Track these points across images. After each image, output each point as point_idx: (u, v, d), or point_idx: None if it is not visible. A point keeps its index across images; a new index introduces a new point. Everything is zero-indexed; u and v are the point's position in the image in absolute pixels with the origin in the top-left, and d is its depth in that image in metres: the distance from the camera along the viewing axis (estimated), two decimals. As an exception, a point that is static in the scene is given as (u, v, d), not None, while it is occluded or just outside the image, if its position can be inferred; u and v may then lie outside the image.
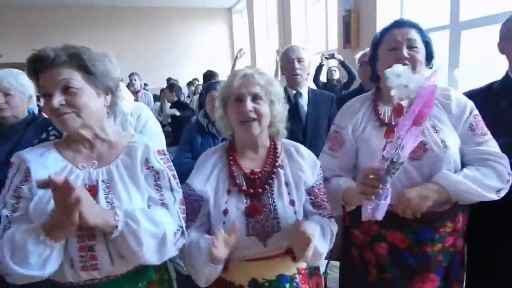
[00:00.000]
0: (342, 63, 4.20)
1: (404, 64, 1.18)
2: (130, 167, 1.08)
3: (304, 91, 2.18)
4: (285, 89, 2.21)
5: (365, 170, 1.06)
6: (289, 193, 1.17)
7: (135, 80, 5.75)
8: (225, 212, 1.14)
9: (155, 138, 1.92)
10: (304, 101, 2.15)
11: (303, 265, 1.22)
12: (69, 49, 1.01)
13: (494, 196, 1.19)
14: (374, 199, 1.03)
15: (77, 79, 1.00)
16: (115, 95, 1.15)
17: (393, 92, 1.00)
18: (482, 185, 1.16)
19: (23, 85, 1.82)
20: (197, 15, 11.43)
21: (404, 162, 1.01)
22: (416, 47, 1.24)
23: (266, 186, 1.16)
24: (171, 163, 1.18)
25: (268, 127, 1.20)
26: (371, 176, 1.02)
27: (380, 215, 1.06)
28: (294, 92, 2.16)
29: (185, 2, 10.79)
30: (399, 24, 1.29)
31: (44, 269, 0.91)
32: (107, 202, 1.01)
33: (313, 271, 1.27)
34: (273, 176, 1.18)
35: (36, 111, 2.07)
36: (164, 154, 1.16)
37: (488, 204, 1.20)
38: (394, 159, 0.99)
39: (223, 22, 11.86)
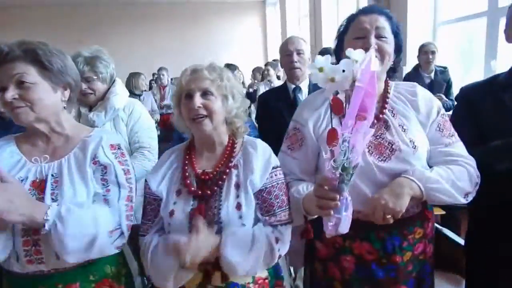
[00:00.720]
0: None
1: None
2: (81, 162, 1.07)
3: (304, 85, 2.05)
4: (285, 84, 2.10)
5: (319, 181, 0.95)
6: (237, 196, 1.08)
7: (163, 75, 5.99)
8: (171, 213, 1.09)
9: (146, 134, 1.89)
10: (304, 96, 2.02)
11: (262, 274, 1.13)
12: (24, 44, 1.03)
13: (463, 200, 1.07)
14: (333, 213, 0.91)
15: (31, 74, 1.02)
16: (75, 91, 1.15)
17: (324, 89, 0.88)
18: (454, 186, 1.06)
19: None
20: (231, 8, 11.46)
21: (358, 163, 0.88)
22: (385, 37, 1.12)
23: (216, 187, 1.09)
24: (127, 158, 1.15)
25: (227, 124, 1.14)
26: (325, 187, 0.90)
27: (344, 229, 0.94)
28: (293, 86, 2.04)
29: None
30: (367, 10, 1.17)
31: None
32: (52, 198, 1.02)
33: (275, 281, 1.17)
34: (224, 177, 1.10)
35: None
36: (119, 149, 1.13)
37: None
38: (346, 165, 0.86)
39: (256, 15, 11.79)
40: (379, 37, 1.11)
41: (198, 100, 1.07)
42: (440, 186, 1.04)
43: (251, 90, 5.56)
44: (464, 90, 1.33)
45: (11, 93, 0.98)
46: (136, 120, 1.89)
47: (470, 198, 1.09)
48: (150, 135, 1.91)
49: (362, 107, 0.85)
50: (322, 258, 1.24)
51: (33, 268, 1.02)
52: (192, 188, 1.11)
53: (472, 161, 1.13)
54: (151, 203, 1.16)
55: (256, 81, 6.41)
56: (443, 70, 3.49)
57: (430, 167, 1.13)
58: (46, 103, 1.04)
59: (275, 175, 1.13)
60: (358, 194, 1.07)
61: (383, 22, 1.13)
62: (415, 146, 1.09)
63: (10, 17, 9.88)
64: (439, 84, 3.38)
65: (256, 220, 1.12)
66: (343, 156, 0.85)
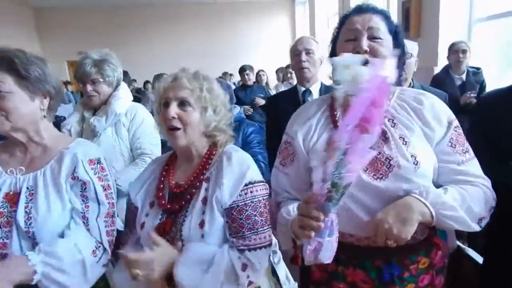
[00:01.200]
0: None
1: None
2: (56, 174, 1.04)
3: (314, 88, 1.92)
4: (295, 86, 1.98)
5: (305, 197, 0.82)
6: (203, 212, 0.99)
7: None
8: (142, 225, 1.05)
9: (148, 140, 1.84)
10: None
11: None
12: (4, 54, 1.00)
13: (476, 227, 0.93)
14: (314, 236, 0.79)
15: (7, 83, 0.99)
16: (55, 98, 1.12)
17: (337, 90, 0.76)
18: (469, 211, 0.92)
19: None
20: (259, 8, 11.42)
21: (351, 183, 0.77)
22: (379, 38, 0.99)
23: (184, 202, 1.01)
24: (107, 173, 1.10)
25: (206, 137, 1.06)
26: (311, 205, 0.79)
27: (325, 257, 0.82)
28: (303, 89, 1.91)
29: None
30: (360, 9, 1.03)
31: None
32: (25, 211, 0.99)
33: None
34: (194, 191, 1.02)
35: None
36: (98, 163, 1.08)
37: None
38: (336, 181, 0.75)
39: (285, 14, 11.68)
40: (372, 38, 0.98)
41: (173, 110, 1.00)
42: (455, 213, 0.90)
43: (274, 91, 5.45)
44: (482, 100, 1.16)
45: None
46: (138, 125, 1.84)
47: (483, 224, 0.95)
48: (152, 141, 1.85)
49: (366, 117, 0.74)
50: (315, 281, 1.12)
51: None
52: (163, 201, 1.04)
53: (488, 182, 0.98)
54: (133, 212, 1.11)
55: (279, 82, 6.28)
56: (476, 71, 3.20)
57: (438, 186, 0.98)
58: (22, 112, 1.01)
59: (250, 192, 1.02)
60: (352, 217, 0.96)
61: (377, 21, 1.00)
62: (417, 162, 0.94)
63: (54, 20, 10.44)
64: (471, 86, 3.10)
65: (225, 240, 1.02)
66: (335, 169, 0.74)
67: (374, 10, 1.02)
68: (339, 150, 0.73)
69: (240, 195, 1.00)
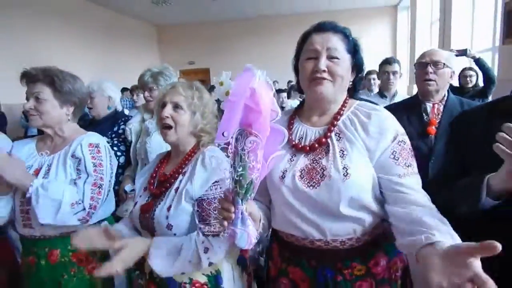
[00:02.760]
0: (477, 62, 3.38)
1: (322, 78, 1.04)
2: (66, 155, 1.42)
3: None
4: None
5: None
6: (173, 199, 1.19)
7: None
8: (135, 204, 1.31)
9: None
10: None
11: (200, 278, 1.20)
12: (46, 71, 1.42)
13: None
14: (229, 225, 0.92)
15: (45, 93, 1.40)
16: (80, 106, 1.53)
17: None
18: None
19: (104, 90, 2.38)
20: (359, 16, 11.14)
21: (252, 180, 0.86)
22: (337, 58, 1.05)
23: (163, 189, 1.24)
24: (101, 155, 1.45)
25: (195, 137, 1.29)
26: (226, 199, 0.91)
27: (241, 244, 0.92)
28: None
29: (348, 2, 10.66)
30: (320, 28, 1.09)
31: None
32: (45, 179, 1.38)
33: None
34: (173, 181, 1.24)
35: (120, 109, 2.66)
36: (96, 147, 1.44)
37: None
38: (237, 178, 0.86)
39: (387, 21, 11.16)
40: (330, 58, 1.05)
41: (168, 111, 1.23)
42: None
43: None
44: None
45: (29, 104, 1.40)
46: None
47: None
48: None
49: (246, 122, 0.85)
50: (270, 277, 1.23)
51: (28, 232, 1.39)
52: (151, 187, 1.29)
53: (427, 197, 0.99)
54: None
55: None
56: None
57: (380, 196, 1.04)
58: (52, 115, 1.42)
59: (220, 187, 1.18)
60: (300, 216, 1.05)
61: (335, 42, 1.06)
62: (347, 174, 0.99)
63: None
64: None
65: (191, 228, 1.19)
66: (233, 169, 0.86)
67: (334, 30, 1.08)
68: (231, 153, 0.85)
69: (210, 189, 1.18)
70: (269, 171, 0.95)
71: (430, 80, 1.74)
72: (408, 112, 1.82)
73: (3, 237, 1.59)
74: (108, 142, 1.97)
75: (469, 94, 3.59)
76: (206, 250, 1.14)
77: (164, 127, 1.24)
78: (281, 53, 11.45)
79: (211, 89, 7.31)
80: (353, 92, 1.17)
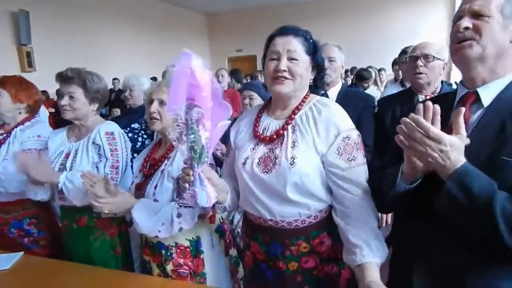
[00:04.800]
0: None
1: (283, 77, 1.18)
2: (88, 142, 1.73)
3: (332, 92, 2.08)
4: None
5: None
6: (159, 179, 1.44)
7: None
8: (132, 182, 1.58)
9: None
10: (330, 103, 2.06)
11: (184, 243, 1.45)
12: (80, 74, 1.74)
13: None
14: (189, 186, 1.07)
15: (78, 92, 1.72)
16: (102, 103, 1.85)
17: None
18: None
19: (142, 84, 2.71)
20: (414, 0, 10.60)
21: (203, 145, 1.02)
22: (296, 59, 1.18)
23: (153, 171, 1.49)
24: (117, 141, 1.72)
25: None
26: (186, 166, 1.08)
27: (202, 202, 1.07)
28: (322, 92, 2.09)
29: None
30: (283, 32, 1.22)
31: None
32: (71, 163, 1.70)
33: (196, 253, 1.47)
34: (160, 164, 1.49)
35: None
36: (112, 134, 1.73)
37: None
38: (191, 145, 1.02)
39: (443, 8, 10.43)
40: (290, 59, 1.18)
41: (154, 106, 1.47)
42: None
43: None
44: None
45: (64, 101, 1.71)
46: None
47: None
48: None
49: (190, 96, 1.01)
50: (240, 249, 1.46)
51: (63, 203, 1.73)
52: (144, 169, 1.54)
53: (367, 190, 1.14)
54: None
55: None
56: None
57: (328, 186, 1.19)
58: (82, 111, 1.75)
59: None
60: (256, 199, 1.22)
61: (295, 45, 1.19)
62: (293, 163, 1.13)
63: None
64: None
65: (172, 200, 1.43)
66: (188, 137, 1.02)
67: (294, 33, 1.20)
68: (184, 124, 1.01)
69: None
70: (234, 156, 1.21)
71: (421, 73, 1.78)
72: (402, 103, 1.88)
73: (47, 206, 1.98)
74: (141, 125, 2.31)
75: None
76: (179, 215, 1.35)
77: (151, 119, 1.48)
78: (336, 37, 11.27)
79: (252, 78, 7.51)
80: (314, 88, 1.31)
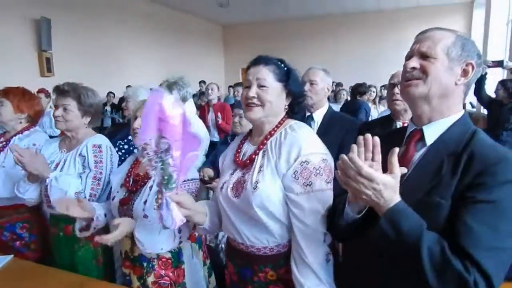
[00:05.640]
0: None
1: (253, 103, 1.24)
2: (76, 153, 1.83)
3: (318, 114, 2.13)
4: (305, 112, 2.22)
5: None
6: (148, 195, 1.50)
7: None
8: (113, 198, 1.62)
9: None
10: (315, 125, 2.11)
11: (166, 255, 1.52)
12: (75, 88, 1.84)
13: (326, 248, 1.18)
14: (158, 208, 1.14)
15: (71, 105, 1.82)
16: (95, 117, 1.94)
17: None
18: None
19: (138, 96, 2.81)
20: (431, 13, 10.51)
21: (172, 174, 1.10)
22: (265, 86, 1.23)
23: (139, 187, 1.56)
24: (103, 154, 1.81)
25: None
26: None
27: (167, 224, 1.15)
28: (308, 114, 2.15)
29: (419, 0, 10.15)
30: (255, 62, 1.28)
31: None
32: (59, 172, 1.79)
33: (178, 264, 1.54)
34: (146, 180, 1.55)
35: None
36: (99, 147, 1.82)
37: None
38: (159, 172, 1.10)
39: (461, 20, 10.33)
40: (260, 86, 1.24)
41: (137, 123, 1.56)
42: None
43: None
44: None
45: (58, 112, 1.81)
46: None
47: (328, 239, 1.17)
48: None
49: (159, 129, 1.09)
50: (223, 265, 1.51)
51: (50, 210, 1.81)
52: (127, 184, 1.59)
53: (318, 220, 1.15)
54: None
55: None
56: None
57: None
58: (74, 123, 1.84)
59: (188, 185, 1.50)
60: (230, 222, 1.27)
61: (264, 73, 1.24)
62: (256, 187, 1.17)
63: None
64: None
65: None
66: (156, 165, 1.11)
67: (265, 63, 1.26)
68: (154, 153, 1.09)
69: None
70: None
71: (397, 99, 1.82)
72: (383, 128, 1.91)
73: (39, 212, 2.08)
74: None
75: (508, 107, 3.37)
76: (179, 230, 1.46)
77: (134, 134, 1.58)
78: (345, 52, 11.36)
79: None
80: (291, 113, 1.33)
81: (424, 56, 0.98)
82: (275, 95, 1.25)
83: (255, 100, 1.23)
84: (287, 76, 1.28)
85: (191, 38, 11.19)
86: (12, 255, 1.77)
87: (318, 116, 2.14)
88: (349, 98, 6.09)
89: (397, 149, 0.88)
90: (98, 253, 1.86)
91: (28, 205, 1.91)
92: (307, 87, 2.10)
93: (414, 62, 0.99)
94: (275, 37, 12.17)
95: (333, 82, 8.41)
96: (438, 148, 0.97)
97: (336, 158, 1.59)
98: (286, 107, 1.31)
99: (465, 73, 0.98)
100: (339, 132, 2.00)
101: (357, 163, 0.84)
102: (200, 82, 9.27)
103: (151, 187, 1.52)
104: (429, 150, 0.98)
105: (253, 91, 1.23)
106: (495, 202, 0.84)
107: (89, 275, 1.73)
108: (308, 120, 2.15)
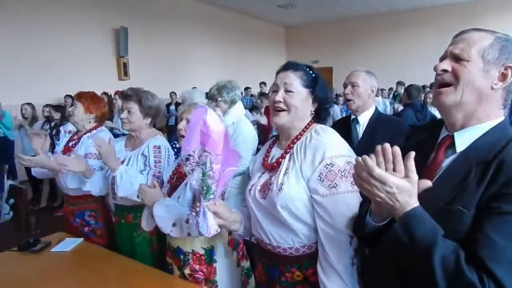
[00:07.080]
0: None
1: (279, 108, 1.28)
2: (139, 153, 2.02)
3: (363, 117, 2.09)
4: (350, 114, 2.19)
5: None
6: (182, 190, 1.64)
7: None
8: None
9: (242, 146, 2.48)
10: (361, 128, 2.08)
11: (200, 250, 1.62)
12: (137, 93, 2.05)
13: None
14: (194, 216, 1.22)
15: (134, 108, 2.03)
16: (155, 118, 2.13)
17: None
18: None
19: (192, 99, 2.99)
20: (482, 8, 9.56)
21: (211, 185, 1.17)
22: (291, 91, 1.26)
23: (178, 183, 1.71)
24: (162, 154, 1.99)
25: None
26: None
27: (203, 231, 1.21)
28: (353, 117, 2.11)
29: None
30: (284, 67, 1.31)
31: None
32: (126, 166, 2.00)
33: (210, 261, 1.63)
34: (185, 178, 1.67)
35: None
36: (158, 148, 1.99)
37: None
38: (199, 182, 1.18)
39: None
40: (286, 91, 1.27)
41: (182, 124, 1.69)
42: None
43: None
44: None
45: (123, 115, 2.03)
46: (238, 135, 2.54)
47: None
48: (245, 147, 2.50)
49: (202, 142, 1.19)
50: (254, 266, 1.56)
51: (115, 202, 2.05)
52: (171, 181, 1.76)
53: (344, 223, 1.15)
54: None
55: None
56: None
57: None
58: (136, 123, 2.04)
59: None
60: (258, 223, 1.32)
61: (292, 78, 1.27)
62: (281, 189, 1.20)
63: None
64: None
65: None
66: (196, 175, 1.21)
67: (294, 69, 1.28)
68: (196, 164, 1.20)
69: None
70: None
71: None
72: (433, 133, 1.82)
73: (104, 202, 2.35)
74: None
75: None
76: (187, 221, 1.49)
77: (180, 136, 1.69)
78: (407, 51, 10.67)
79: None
80: (317, 119, 1.35)
81: (457, 59, 0.93)
82: (300, 100, 1.27)
83: (281, 105, 1.27)
84: (314, 82, 1.29)
85: (253, 40, 11.45)
86: (82, 238, 2.05)
87: (364, 118, 2.09)
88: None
89: (413, 153, 0.85)
90: (153, 241, 2.06)
91: (95, 195, 2.16)
92: (348, 89, 2.08)
93: (445, 65, 0.94)
94: (338, 36, 11.96)
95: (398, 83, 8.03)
96: (468, 155, 0.92)
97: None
98: (312, 112, 1.33)
99: (503, 76, 0.91)
100: (385, 134, 1.94)
101: (368, 164, 0.83)
102: (260, 84, 9.41)
103: (186, 184, 1.63)
104: (458, 157, 0.94)
105: (279, 96, 1.27)
106: None
107: (144, 260, 1.93)
108: (353, 123, 2.12)
